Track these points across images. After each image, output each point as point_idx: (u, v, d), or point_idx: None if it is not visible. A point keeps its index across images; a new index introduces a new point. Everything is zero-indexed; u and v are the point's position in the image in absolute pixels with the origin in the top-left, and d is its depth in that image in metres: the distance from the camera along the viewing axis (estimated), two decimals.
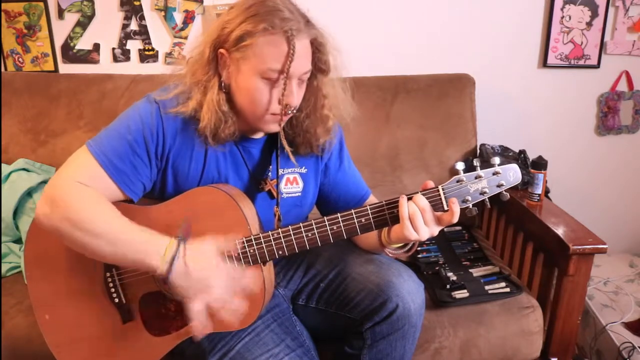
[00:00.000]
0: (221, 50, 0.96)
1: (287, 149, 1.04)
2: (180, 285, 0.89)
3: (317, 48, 0.99)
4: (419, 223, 0.93)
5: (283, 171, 1.11)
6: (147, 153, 0.99)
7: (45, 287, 1.04)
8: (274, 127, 1.00)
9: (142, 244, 0.90)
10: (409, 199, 0.95)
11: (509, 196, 0.96)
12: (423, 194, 0.95)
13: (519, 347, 1.34)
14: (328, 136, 1.09)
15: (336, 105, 1.07)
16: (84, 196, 0.92)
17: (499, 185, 0.95)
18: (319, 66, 1.01)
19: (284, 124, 1.05)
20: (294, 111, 0.99)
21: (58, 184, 0.94)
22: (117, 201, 1.00)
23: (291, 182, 1.12)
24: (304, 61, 0.96)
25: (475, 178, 0.94)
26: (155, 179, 1.04)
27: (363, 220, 0.97)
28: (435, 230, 0.96)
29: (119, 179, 0.96)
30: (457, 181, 0.95)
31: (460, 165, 0.94)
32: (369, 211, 0.96)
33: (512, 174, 0.95)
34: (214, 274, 0.90)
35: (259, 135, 1.09)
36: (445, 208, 0.95)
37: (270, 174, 1.09)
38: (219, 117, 0.97)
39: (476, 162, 0.95)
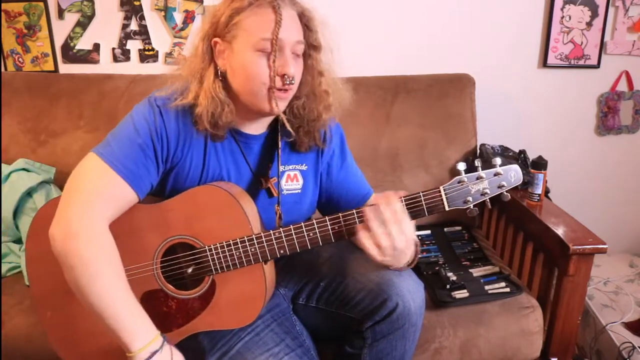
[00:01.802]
0: (215, 39, 0.99)
1: (287, 124, 1.03)
2: None
3: (307, 25, 1.01)
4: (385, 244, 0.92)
5: (284, 168, 1.11)
6: (155, 154, 0.99)
7: (47, 284, 1.04)
8: (279, 105, 0.98)
9: (132, 323, 0.91)
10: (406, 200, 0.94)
11: (510, 197, 0.96)
12: (424, 194, 0.94)
13: (519, 347, 1.34)
14: (328, 115, 1.08)
15: (333, 82, 1.07)
16: (97, 246, 0.91)
17: (500, 186, 0.95)
18: (311, 43, 1.02)
19: (287, 111, 1.06)
20: (293, 82, 0.97)
21: (75, 213, 0.92)
22: None
23: (291, 179, 1.13)
24: (294, 30, 0.97)
25: (477, 179, 0.95)
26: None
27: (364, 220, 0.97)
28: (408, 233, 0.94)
29: (136, 184, 0.96)
30: (459, 182, 0.95)
31: (461, 166, 0.95)
32: None
33: (513, 174, 0.95)
34: None
35: (259, 131, 1.09)
36: (447, 208, 0.95)
37: (271, 171, 1.09)
38: (216, 104, 0.98)
39: (477, 163, 0.95)
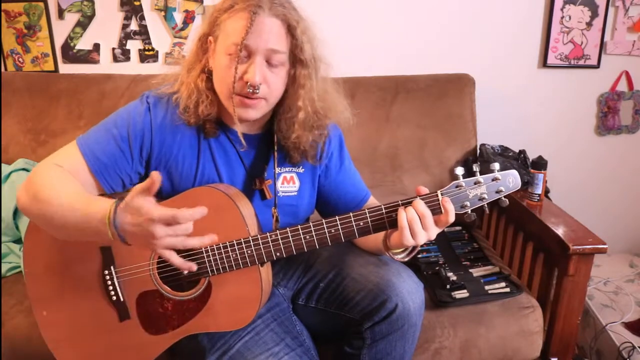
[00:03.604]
0: (210, 37, 1.00)
1: (240, 136, 1.01)
2: (137, 244, 0.86)
3: (292, 34, 0.97)
4: (417, 229, 0.93)
5: (280, 170, 1.11)
6: (130, 149, 1.00)
7: (43, 283, 1.04)
8: (245, 113, 0.98)
9: (88, 213, 0.88)
10: (408, 204, 0.94)
11: (508, 202, 0.96)
12: (421, 199, 0.94)
13: (519, 347, 1.34)
14: (307, 133, 1.06)
15: (311, 99, 1.04)
16: (53, 174, 0.95)
17: (498, 191, 0.95)
18: (296, 54, 0.99)
19: (275, 124, 1.06)
20: (257, 91, 0.94)
21: (36, 168, 0.98)
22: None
23: (288, 181, 1.12)
24: (268, 38, 0.94)
25: (475, 184, 0.94)
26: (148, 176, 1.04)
27: (361, 224, 0.96)
28: (433, 234, 0.95)
29: (97, 170, 0.98)
30: (456, 186, 0.94)
31: (459, 171, 0.94)
32: (367, 215, 0.96)
33: (511, 180, 0.95)
34: (146, 225, 0.83)
35: (253, 132, 1.09)
36: (443, 211, 0.94)
37: (266, 173, 1.09)
38: (194, 94, 0.99)
39: (476, 167, 0.95)
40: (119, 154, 1.00)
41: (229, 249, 0.98)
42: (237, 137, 1.06)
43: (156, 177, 0.82)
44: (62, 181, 0.94)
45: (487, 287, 1.39)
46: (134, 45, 1.92)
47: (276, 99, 1.02)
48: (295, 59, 1.00)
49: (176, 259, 0.87)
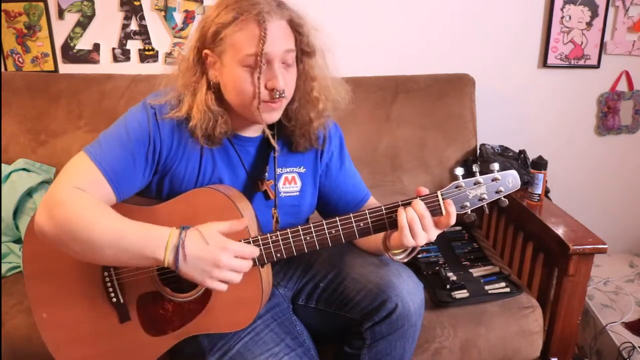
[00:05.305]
0: (205, 50, 0.98)
1: (271, 140, 1.04)
2: (188, 271, 0.89)
3: (297, 30, 0.98)
4: (417, 229, 0.93)
5: (282, 170, 1.11)
6: (146, 159, 0.99)
7: (43, 285, 1.04)
8: (270, 117, 0.99)
9: (144, 240, 0.89)
10: (408, 204, 0.95)
11: (507, 202, 0.96)
12: (422, 199, 0.94)
13: (519, 347, 1.34)
14: (321, 120, 1.08)
15: (326, 87, 1.05)
16: (81, 201, 0.92)
17: (497, 192, 0.95)
18: (303, 48, 1.00)
19: (282, 116, 1.06)
20: (283, 95, 0.95)
21: (56, 191, 0.93)
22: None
23: (289, 182, 1.12)
24: (281, 42, 0.95)
25: (474, 184, 0.95)
26: (151, 181, 1.04)
27: (362, 225, 0.97)
28: (433, 235, 0.95)
29: (116, 184, 0.96)
30: (456, 187, 0.95)
31: (459, 171, 0.95)
32: (368, 215, 0.96)
33: (511, 180, 0.95)
34: (217, 252, 0.89)
35: (255, 134, 1.09)
36: (444, 213, 0.94)
37: (267, 174, 1.09)
38: (209, 117, 0.98)
39: (475, 168, 0.95)
40: (136, 168, 0.98)
41: None
42: (240, 140, 1.07)
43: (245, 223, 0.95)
44: (105, 214, 0.91)
45: (487, 287, 1.39)
46: (134, 45, 1.92)
47: (292, 95, 1.03)
48: (303, 52, 1.01)
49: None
